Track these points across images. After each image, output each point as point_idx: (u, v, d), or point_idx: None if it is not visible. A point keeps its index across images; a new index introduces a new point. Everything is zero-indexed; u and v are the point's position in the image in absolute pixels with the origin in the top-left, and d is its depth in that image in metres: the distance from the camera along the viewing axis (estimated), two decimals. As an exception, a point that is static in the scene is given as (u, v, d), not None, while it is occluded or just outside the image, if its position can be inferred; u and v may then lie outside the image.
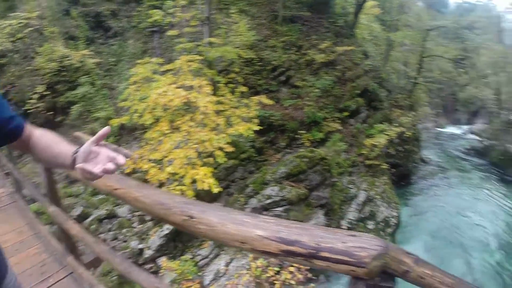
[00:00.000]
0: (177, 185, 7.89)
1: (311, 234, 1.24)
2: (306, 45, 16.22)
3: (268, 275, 7.25)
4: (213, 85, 10.58)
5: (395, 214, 12.75)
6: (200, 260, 9.04)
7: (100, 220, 9.77)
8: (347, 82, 15.76)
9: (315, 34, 17.06)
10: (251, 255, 7.84)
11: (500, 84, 28.99)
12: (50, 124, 11.39)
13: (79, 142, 1.14)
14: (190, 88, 8.71)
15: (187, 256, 8.91)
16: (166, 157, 7.82)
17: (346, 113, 14.93)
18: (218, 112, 9.16)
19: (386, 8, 24.54)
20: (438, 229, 13.51)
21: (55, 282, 3.20)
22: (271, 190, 10.54)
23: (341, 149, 13.38)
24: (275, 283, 7.10)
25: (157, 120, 8.52)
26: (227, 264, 8.90)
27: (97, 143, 1.04)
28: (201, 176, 7.68)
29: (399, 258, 1.18)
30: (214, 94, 10.10)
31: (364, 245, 1.15)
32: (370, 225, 11.88)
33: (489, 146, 24.80)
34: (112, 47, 15.37)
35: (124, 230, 9.55)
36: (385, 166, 14.26)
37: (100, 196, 10.33)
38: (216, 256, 9.20)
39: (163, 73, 9.51)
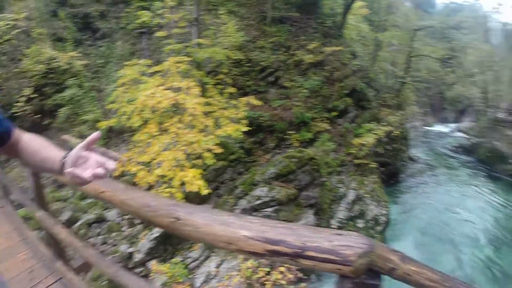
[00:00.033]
0: (166, 188, 7.86)
1: (297, 233, 1.26)
2: (295, 46, 16.26)
3: (258, 275, 7.28)
4: (202, 86, 10.55)
5: (384, 212, 12.83)
6: (191, 262, 9.02)
7: (89, 225, 9.70)
8: (336, 82, 15.84)
9: (304, 34, 17.11)
10: (241, 256, 7.86)
11: (487, 83, 29.43)
12: (37, 127, 11.28)
13: (67, 145, 1.15)
14: (179, 89, 8.68)
15: (177, 258, 8.89)
16: (154, 159, 7.79)
17: (334, 113, 15.00)
18: (206, 114, 9.15)
19: (374, 9, 24.68)
20: (428, 225, 13.67)
21: (45, 288, 3.16)
22: (261, 191, 10.57)
23: (330, 149, 13.46)
24: (266, 284, 7.14)
25: (145, 122, 8.48)
26: (218, 266, 8.88)
27: (87, 148, 1.03)
28: (190, 178, 7.68)
29: (385, 255, 1.20)
30: (203, 96, 10.07)
31: (349, 244, 1.17)
32: (360, 223, 11.95)
33: (477, 144, 25.13)
34: (100, 48, 15.23)
35: (113, 234, 9.49)
36: (373, 165, 14.36)
37: (89, 200, 10.22)
38: (207, 258, 9.18)
39: (152, 74, 9.47)
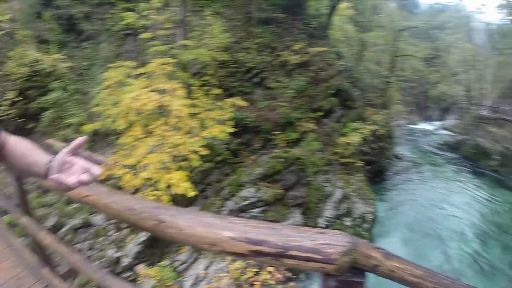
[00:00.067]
0: (152, 190, 7.84)
1: (279, 233, 1.27)
2: (280, 47, 16.34)
3: (247, 276, 7.29)
4: (187, 88, 10.53)
5: (371, 209, 12.97)
6: (179, 265, 9.01)
7: (75, 230, 9.59)
8: (321, 82, 15.95)
9: (289, 35, 17.20)
10: (229, 258, 7.88)
11: (470, 81, 29.87)
12: (21, 131, 11.11)
13: (51, 150, 1.15)
14: (164, 91, 8.65)
15: (165, 262, 8.79)
16: (140, 162, 7.75)
17: (320, 113, 15.11)
18: (192, 115, 9.14)
19: (359, 10, 24.89)
20: (415, 221, 13.85)
21: (32, 295, 3.12)
22: (247, 192, 10.63)
23: (316, 149, 13.56)
24: (255, 284, 7.15)
25: (130, 125, 8.42)
26: (206, 268, 8.88)
27: (72, 153, 1.01)
28: (176, 180, 7.68)
29: (368, 253, 1.21)
30: (188, 97, 10.05)
31: (332, 242, 1.19)
32: (347, 221, 12.04)
33: (461, 141, 25.55)
34: (85, 50, 15.10)
35: (100, 239, 9.40)
36: (359, 163, 14.52)
37: (75, 205, 10.07)
38: (195, 260, 9.18)
39: (137, 76, 9.39)
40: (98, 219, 9.82)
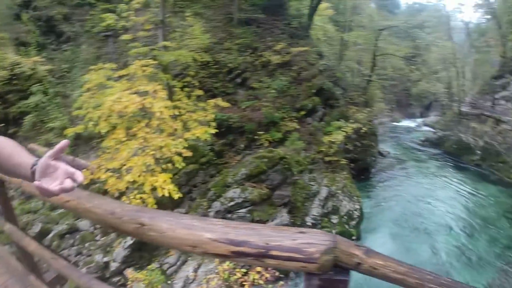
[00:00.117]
0: (137, 194, 7.83)
1: (260, 233, 1.28)
2: (262, 47, 16.36)
3: (236, 277, 7.30)
4: (169, 89, 10.49)
5: (357, 207, 13.02)
6: (168, 268, 8.99)
7: (61, 236, 9.50)
8: (303, 82, 16.03)
9: (270, 36, 17.23)
10: (217, 259, 7.88)
11: (451, 78, 30.48)
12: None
13: (34, 154, 1.13)
14: (145, 93, 8.63)
15: (154, 265, 8.79)
16: (124, 165, 7.72)
17: (303, 112, 15.16)
18: (175, 117, 9.12)
19: (339, 10, 25.20)
20: (401, 217, 14.08)
21: (19, 304, 3.08)
22: (233, 192, 10.64)
23: (300, 148, 13.62)
24: (244, 285, 7.16)
25: (113, 128, 8.36)
26: (196, 270, 8.87)
27: (55, 157, 0.99)
28: (160, 183, 7.69)
29: (349, 251, 1.21)
30: (170, 99, 10.03)
31: (312, 241, 1.19)
32: (334, 219, 12.09)
33: (443, 137, 25.94)
34: (65, 52, 14.89)
35: (87, 244, 9.33)
36: (344, 161, 14.59)
37: (60, 210, 9.93)
38: (184, 262, 9.15)
39: (118, 79, 9.31)
40: (84, 224, 9.75)
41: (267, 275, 7.28)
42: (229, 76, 14.87)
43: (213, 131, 9.47)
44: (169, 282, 8.59)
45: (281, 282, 8.04)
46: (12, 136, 11.46)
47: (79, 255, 9.16)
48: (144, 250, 9.12)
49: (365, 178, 17.64)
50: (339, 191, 13.28)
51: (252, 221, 10.16)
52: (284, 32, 17.98)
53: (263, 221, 10.34)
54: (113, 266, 8.76)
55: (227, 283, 7.30)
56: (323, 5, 21.52)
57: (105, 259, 8.90)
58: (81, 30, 15.64)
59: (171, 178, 7.99)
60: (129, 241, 8.96)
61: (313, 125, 15.34)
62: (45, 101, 12.14)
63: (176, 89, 11.28)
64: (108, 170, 7.88)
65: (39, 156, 1.03)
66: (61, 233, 9.52)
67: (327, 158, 14.27)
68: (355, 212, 12.80)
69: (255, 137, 13.37)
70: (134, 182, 7.66)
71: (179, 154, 8.14)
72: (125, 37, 11.02)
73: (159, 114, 8.24)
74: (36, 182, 0.95)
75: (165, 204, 8.66)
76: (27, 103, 11.92)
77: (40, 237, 9.17)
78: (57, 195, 0.97)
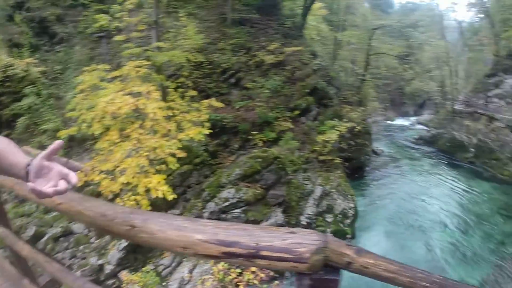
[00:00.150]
0: (131, 195, 7.81)
1: (250, 234, 1.27)
2: (255, 47, 16.39)
3: (231, 277, 7.31)
4: (162, 90, 10.49)
5: (352, 205, 13.09)
6: (163, 269, 8.98)
7: (55, 239, 9.44)
8: (297, 81, 16.07)
9: (264, 36, 17.27)
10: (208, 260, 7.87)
11: (444, 77, 30.71)
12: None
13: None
14: (139, 94, 8.61)
15: (149, 267, 8.74)
16: (118, 167, 7.70)
17: (297, 112, 15.21)
18: (168, 118, 9.10)
19: (333, 9, 25.28)
20: (396, 215, 14.16)
21: (13, 308, 3.05)
22: (228, 193, 10.65)
23: (294, 147, 13.65)
24: (239, 285, 7.17)
25: (107, 129, 8.34)
26: (191, 271, 8.86)
27: (49, 158, 0.99)
28: (154, 184, 7.68)
29: (340, 250, 1.21)
30: (164, 100, 10.03)
31: (303, 241, 1.19)
32: (329, 218, 12.16)
33: (437, 135, 26.12)
34: (58, 54, 14.78)
35: (81, 247, 9.29)
36: (338, 160, 14.64)
37: (54, 213, 9.81)
38: (179, 264, 9.15)
39: (111, 80, 9.29)
40: (78, 226, 9.68)
41: (262, 275, 7.28)
42: (223, 76, 14.88)
43: (207, 131, 9.48)
44: (164, 283, 8.58)
45: (276, 282, 8.07)
46: (5, 138, 11.38)
47: (73, 258, 9.11)
48: (139, 252, 9.10)
49: (359, 177, 17.72)
50: (334, 190, 13.32)
51: (247, 221, 10.18)
52: (278, 32, 18.03)
53: (257, 221, 10.37)
54: (108, 268, 8.74)
55: (222, 284, 7.30)
56: (316, 4, 21.60)
57: (100, 262, 8.87)
58: (74, 31, 15.54)
59: (165, 179, 7.99)
60: (124, 243, 8.93)
61: (307, 124, 15.37)
62: (38, 103, 12.05)
63: (169, 89, 11.28)
64: (102, 172, 7.88)
65: (33, 158, 1.02)
66: (55, 236, 9.46)
67: (321, 157, 14.31)
68: (349, 210, 12.86)
69: (249, 137, 13.40)
70: (128, 183, 7.64)
71: (173, 155, 8.15)
72: (118, 38, 10.94)
73: (152, 115, 8.23)
74: (30, 184, 0.93)
75: (159, 205, 8.67)
76: (20, 105, 11.83)
77: (34, 240, 9.11)
78: (51, 196, 0.95)
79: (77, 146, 11.54)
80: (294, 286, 1.36)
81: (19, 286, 3.24)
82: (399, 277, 1.19)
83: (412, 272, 1.21)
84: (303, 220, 11.71)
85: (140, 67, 9.39)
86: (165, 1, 15.16)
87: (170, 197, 7.71)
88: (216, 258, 1.30)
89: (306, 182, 13.05)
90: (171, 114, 9.36)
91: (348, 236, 11.75)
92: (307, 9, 20.08)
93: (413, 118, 37.88)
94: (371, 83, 26.06)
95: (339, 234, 11.47)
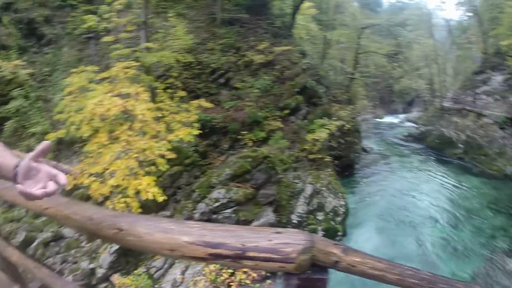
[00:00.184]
0: (121, 198, 7.76)
1: (236, 235, 1.26)
2: (245, 47, 16.41)
3: (223, 278, 7.33)
4: (151, 91, 10.44)
5: (342, 203, 13.16)
6: (155, 272, 8.93)
7: (46, 244, 9.35)
8: (286, 81, 16.12)
9: (253, 35, 17.29)
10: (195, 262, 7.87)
11: (432, 75, 31.05)
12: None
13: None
14: (128, 96, 8.56)
15: (141, 269, 8.74)
16: (107, 169, 7.66)
17: (286, 111, 15.25)
18: (157, 119, 9.08)
19: (322, 9, 25.35)
20: (386, 211, 14.33)
21: (5, 315, 3.03)
22: (218, 193, 10.63)
23: (284, 146, 13.69)
24: (231, 285, 7.20)
25: (96, 132, 8.27)
26: (183, 273, 8.80)
27: (37, 159, 0.97)
28: (144, 186, 7.64)
29: (327, 249, 1.21)
30: (153, 101, 9.98)
31: (289, 241, 1.18)
32: (320, 216, 12.21)
33: (426, 132, 26.46)
34: (46, 55, 14.63)
35: (72, 251, 9.23)
36: (328, 158, 14.72)
37: (44, 218, 9.64)
38: (171, 265, 9.10)
39: (100, 81, 9.22)
40: (69, 231, 9.58)
41: (254, 275, 7.31)
42: (212, 77, 14.88)
43: (197, 132, 9.47)
44: (156, 286, 8.54)
45: (269, 281, 8.08)
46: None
47: (64, 262, 9.04)
48: (130, 255, 9.02)
49: (349, 175, 17.87)
50: (324, 188, 13.39)
51: (238, 221, 10.19)
52: (267, 31, 18.06)
53: (248, 221, 10.39)
54: (100, 272, 8.68)
55: (214, 284, 7.33)
56: (306, 4, 21.65)
57: (91, 266, 8.81)
58: (63, 32, 15.41)
59: (155, 180, 7.97)
60: (115, 246, 8.83)
61: (296, 123, 15.43)
62: (26, 106, 11.93)
63: (159, 90, 11.24)
64: (91, 174, 7.82)
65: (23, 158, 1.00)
66: (46, 241, 9.37)
67: (311, 156, 14.39)
68: (340, 208, 12.93)
69: (239, 137, 13.42)
70: (117, 186, 7.60)
71: (163, 156, 8.12)
72: (107, 39, 10.82)
73: (141, 117, 8.20)
74: (19, 186, 0.92)
75: (149, 207, 8.66)
76: (8, 108, 11.70)
77: (24, 246, 9.04)
78: (40, 198, 0.94)
79: (66, 149, 11.44)
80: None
81: (10, 292, 3.23)
82: (387, 275, 1.20)
83: (401, 269, 1.21)
84: (294, 218, 11.74)
85: (128, 68, 9.31)
86: (154, 1, 15.10)
87: (160, 198, 7.70)
88: (203, 260, 1.29)
89: (296, 181, 13.09)
90: (160, 115, 9.34)
91: (340, 233, 11.83)
92: (296, 8, 20.17)
93: (402, 116, 38.27)
94: (360, 82, 26.28)
95: (330, 232, 11.56)
